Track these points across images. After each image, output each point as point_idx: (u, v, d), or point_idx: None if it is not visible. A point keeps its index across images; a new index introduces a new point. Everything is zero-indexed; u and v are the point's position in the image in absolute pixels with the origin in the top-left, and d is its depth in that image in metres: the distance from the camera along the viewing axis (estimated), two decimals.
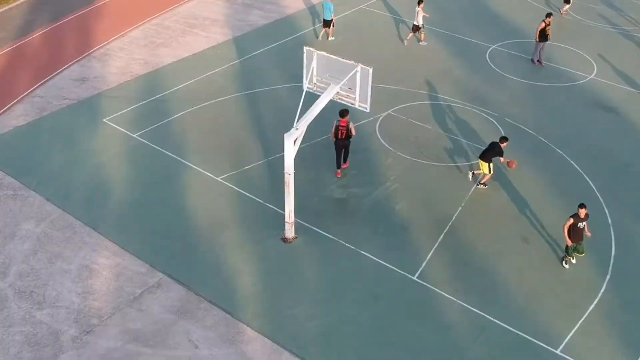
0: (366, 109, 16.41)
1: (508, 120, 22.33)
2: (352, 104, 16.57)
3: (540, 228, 17.88)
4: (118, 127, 21.53)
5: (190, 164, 19.96)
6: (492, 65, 25.74)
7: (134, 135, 21.14)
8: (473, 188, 19.18)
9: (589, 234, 16.33)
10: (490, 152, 18.80)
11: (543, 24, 25.35)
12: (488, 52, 26.73)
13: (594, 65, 25.87)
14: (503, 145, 18.71)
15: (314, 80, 16.98)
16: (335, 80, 16.54)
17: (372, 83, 16.15)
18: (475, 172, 19.49)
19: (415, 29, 26.89)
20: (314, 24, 28.61)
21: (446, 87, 24.24)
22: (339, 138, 19.09)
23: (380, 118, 22.28)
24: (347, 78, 16.18)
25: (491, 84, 24.48)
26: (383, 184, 19.31)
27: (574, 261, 16.54)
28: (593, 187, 19.41)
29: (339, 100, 16.74)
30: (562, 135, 21.64)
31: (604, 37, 28.00)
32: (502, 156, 18.76)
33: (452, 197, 18.90)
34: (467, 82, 24.49)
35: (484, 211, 18.43)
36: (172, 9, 29.93)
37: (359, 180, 19.49)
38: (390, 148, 20.87)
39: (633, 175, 19.90)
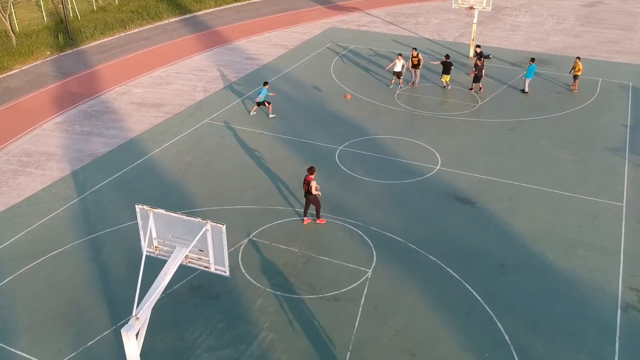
0: (225, 272, 10.81)
1: (374, 228, 17.56)
2: (206, 267, 10.93)
3: None
4: None
5: (15, 351, 13.24)
6: (344, 168, 21.10)
7: None
8: (357, 323, 14.01)
9: None
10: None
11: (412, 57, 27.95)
12: (337, 153, 22.13)
13: (437, 155, 21.97)
14: (447, 60, 27.10)
15: (155, 243, 11.20)
16: (181, 242, 10.86)
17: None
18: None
19: (398, 75, 27.77)
20: (159, 145, 22.74)
21: (304, 198, 19.20)
22: (304, 190, 17.44)
23: (242, 247, 16.73)
24: (196, 239, 10.56)
25: (347, 189, 19.74)
26: (257, 337, 13.64)
27: None
28: (476, 295, 14.89)
29: (189, 265, 11.04)
30: (429, 237, 17.17)
31: (436, 125, 24.38)
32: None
33: (337, 339, 13.59)
34: (323, 190, 19.60)
35: (375, 352, 13.25)
36: (2, 147, 22.87)
37: (229, 335, 13.70)
38: (259, 284, 15.31)
39: (511, 276, 15.63)
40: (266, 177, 20.44)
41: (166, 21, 40.26)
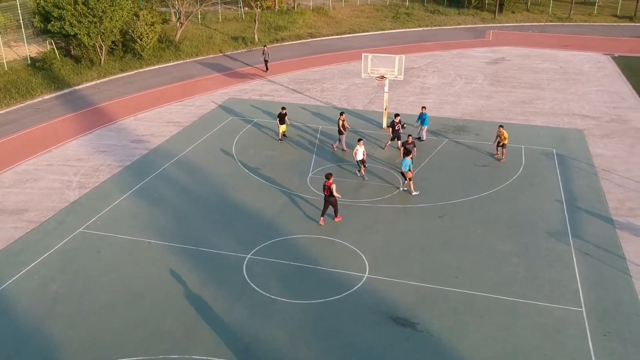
0: None
1: None
2: None
3: None
4: None
5: None
6: (253, 285, 17.31)
7: None
8: None
9: None
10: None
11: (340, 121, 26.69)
12: (244, 264, 18.35)
13: (363, 257, 18.71)
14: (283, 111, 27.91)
15: None
16: None
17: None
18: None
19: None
20: (18, 270, 18.00)
21: (205, 337, 15.17)
22: (325, 193, 20.07)
23: None
24: None
25: (260, 317, 15.93)
26: None
27: None
28: None
29: None
30: None
31: (358, 217, 21.23)
32: None
33: None
34: (232, 324, 15.68)
35: None
36: None
37: None
38: None
39: None
40: (156, 309, 16.25)
41: (39, 99, 35.20)
